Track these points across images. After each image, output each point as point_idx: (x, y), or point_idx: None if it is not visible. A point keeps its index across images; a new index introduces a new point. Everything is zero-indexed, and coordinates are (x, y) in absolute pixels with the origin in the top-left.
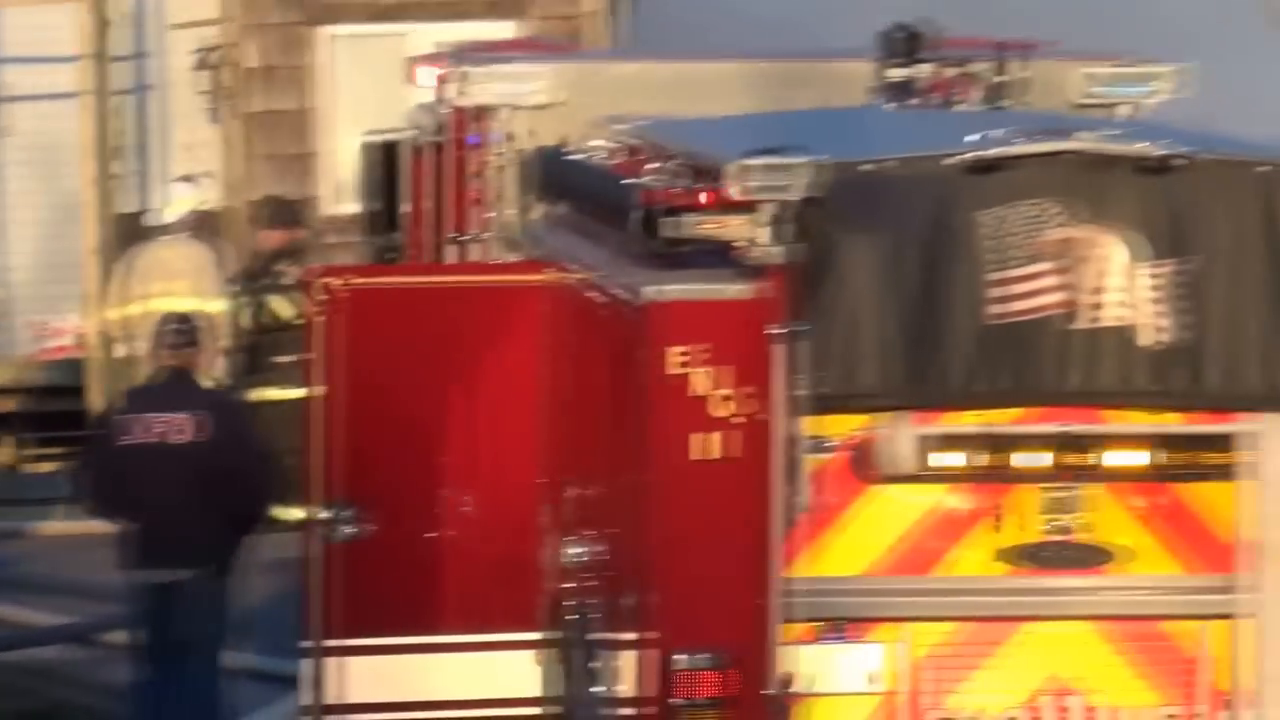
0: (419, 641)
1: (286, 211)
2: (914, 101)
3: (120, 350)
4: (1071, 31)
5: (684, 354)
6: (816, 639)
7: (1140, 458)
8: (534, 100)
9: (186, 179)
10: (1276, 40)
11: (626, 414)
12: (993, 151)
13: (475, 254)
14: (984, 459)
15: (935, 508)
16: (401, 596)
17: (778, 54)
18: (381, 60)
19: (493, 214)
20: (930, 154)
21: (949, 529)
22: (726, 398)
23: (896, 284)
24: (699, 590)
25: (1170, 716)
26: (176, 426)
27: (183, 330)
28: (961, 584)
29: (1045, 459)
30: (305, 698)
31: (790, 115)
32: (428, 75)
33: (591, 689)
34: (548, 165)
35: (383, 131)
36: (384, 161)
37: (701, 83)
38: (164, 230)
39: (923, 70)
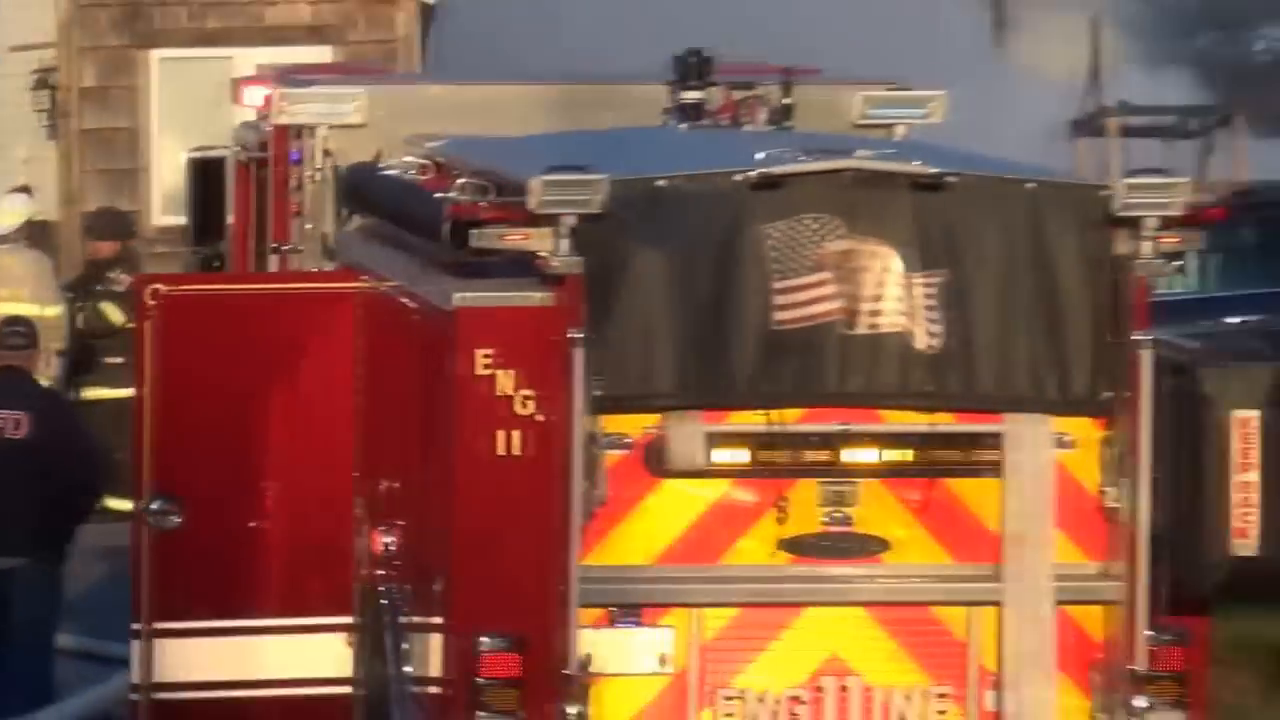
0: (237, 625)
1: (117, 223)
2: (704, 122)
3: None
4: (811, 57)
5: (488, 356)
6: (611, 623)
7: (913, 454)
8: (348, 120)
9: (21, 190)
10: (1002, 67)
11: (435, 412)
12: (778, 169)
13: (294, 263)
14: (767, 455)
15: (722, 500)
16: (220, 583)
17: (575, 77)
18: (207, 82)
19: (310, 226)
20: (719, 171)
21: (734, 520)
22: (527, 397)
23: (685, 292)
24: (499, 577)
25: (939, 695)
26: (11, 422)
27: (20, 332)
28: (746, 572)
29: (824, 455)
30: (134, 677)
31: (587, 135)
32: (251, 95)
33: (399, 669)
34: (362, 180)
35: (208, 148)
36: (209, 176)
37: (504, 104)
38: (1, 240)
39: (713, 93)
